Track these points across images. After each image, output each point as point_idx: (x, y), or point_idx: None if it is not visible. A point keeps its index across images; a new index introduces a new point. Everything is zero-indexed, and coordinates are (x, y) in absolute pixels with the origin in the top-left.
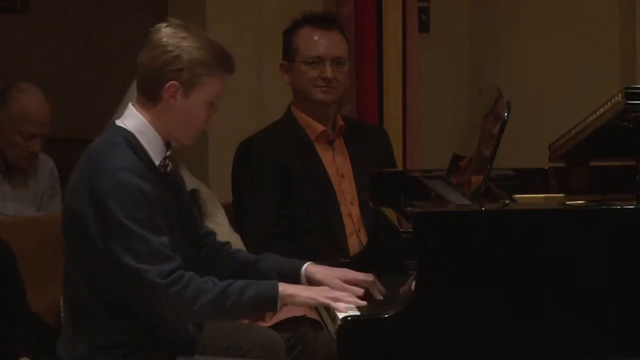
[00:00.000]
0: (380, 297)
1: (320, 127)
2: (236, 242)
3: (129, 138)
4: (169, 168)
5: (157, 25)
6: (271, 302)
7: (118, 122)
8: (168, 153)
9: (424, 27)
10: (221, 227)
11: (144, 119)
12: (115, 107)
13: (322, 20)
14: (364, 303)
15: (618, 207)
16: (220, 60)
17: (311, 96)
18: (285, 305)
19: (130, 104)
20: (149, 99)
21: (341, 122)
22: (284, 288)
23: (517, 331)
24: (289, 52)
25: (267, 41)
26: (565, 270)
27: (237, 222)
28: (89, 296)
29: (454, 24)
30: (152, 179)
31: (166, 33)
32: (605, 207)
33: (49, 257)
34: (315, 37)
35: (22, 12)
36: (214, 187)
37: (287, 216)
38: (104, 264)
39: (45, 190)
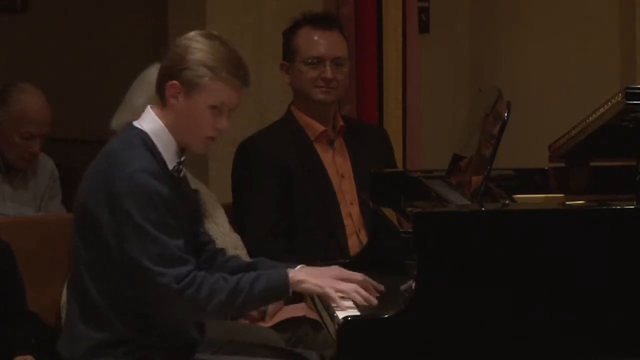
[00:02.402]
0: (376, 294)
1: (320, 127)
2: (236, 242)
3: (145, 140)
4: (182, 173)
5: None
6: (282, 289)
7: (135, 123)
8: (183, 159)
9: (424, 27)
10: (221, 227)
11: (159, 121)
12: (116, 107)
13: (322, 21)
14: (374, 301)
15: (618, 207)
16: (229, 67)
17: (311, 96)
18: (294, 290)
19: (148, 106)
20: (160, 99)
21: (341, 122)
22: (294, 274)
23: (517, 331)
24: (289, 52)
25: (267, 41)
26: (565, 270)
27: (237, 222)
28: (96, 293)
29: (454, 24)
30: (167, 181)
31: (188, 36)
32: (605, 207)
33: (49, 257)
34: (315, 38)
35: (22, 12)
36: (214, 187)
37: (287, 216)
38: (115, 263)
39: (45, 191)
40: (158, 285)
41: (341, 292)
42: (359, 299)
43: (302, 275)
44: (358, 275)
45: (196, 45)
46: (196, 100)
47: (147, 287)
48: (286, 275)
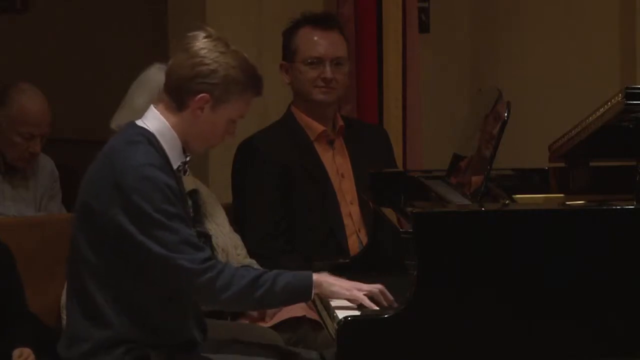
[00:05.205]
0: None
1: (320, 127)
2: (236, 242)
3: (150, 138)
4: (187, 173)
5: (195, 33)
6: (305, 290)
7: (138, 122)
8: (188, 159)
9: (424, 27)
10: (221, 228)
11: (165, 121)
12: (116, 107)
13: (322, 21)
14: (393, 303)
15: (618, 207)
16: (253, 83)
17: (311, 96)
18: (317, 294)
19: (152, 105)
20: (176, 104)
21: (341, 122)
22: (318, 277)
23: (517, 331)
24: (289, 53)
25: (267, 41)
26: (565, 271)
27: (237, 222)
28: (98, 293)
29: (454, 24)
30: (173, 176)
31: (206, 44)
32: (605, 207)
33: (49, 257)
34: (315, 38)
35: (22, 12)
36: (214, 187)
37: (287, 216)
38: (123, 260)
39: (45, 191)
40: (175, 269)
41: (367, 293)
42: (384, 301)
43: (327, 278)
44: (377, 285)
45: (224, 59)
46: (221, 114)
47: (164, 274)
48: (310, 277)
